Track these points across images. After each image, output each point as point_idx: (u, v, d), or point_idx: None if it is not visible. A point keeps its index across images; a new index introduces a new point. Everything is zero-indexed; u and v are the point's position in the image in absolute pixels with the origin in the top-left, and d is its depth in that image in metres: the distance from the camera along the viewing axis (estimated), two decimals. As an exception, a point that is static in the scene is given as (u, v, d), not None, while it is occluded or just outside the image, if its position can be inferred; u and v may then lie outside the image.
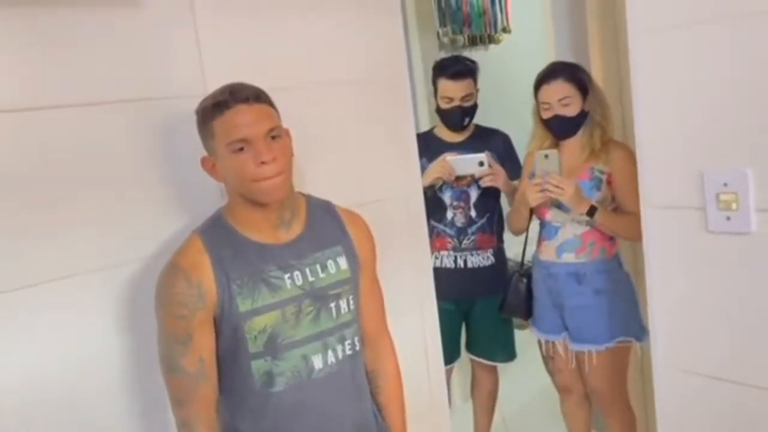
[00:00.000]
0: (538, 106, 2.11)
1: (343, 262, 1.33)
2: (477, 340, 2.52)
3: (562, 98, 2.03)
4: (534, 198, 2.04)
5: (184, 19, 1.39)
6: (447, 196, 2.40)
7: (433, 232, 2.41)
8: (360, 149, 1.71)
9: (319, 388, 1.29)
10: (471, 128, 2.46)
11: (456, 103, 2.36)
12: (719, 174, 1.17)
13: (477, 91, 2.43)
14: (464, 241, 2.41)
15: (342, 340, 1.32)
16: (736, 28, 1.11)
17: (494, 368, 2.57)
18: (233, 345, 1.24)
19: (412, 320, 1.83)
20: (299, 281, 1.27)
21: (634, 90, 1.25)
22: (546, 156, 2.01)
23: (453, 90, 2.36)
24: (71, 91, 1.24)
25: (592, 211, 1.99)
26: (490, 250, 2.43)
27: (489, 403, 2.61)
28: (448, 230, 2.41)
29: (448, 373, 2.56)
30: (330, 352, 1.30)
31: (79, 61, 1.25)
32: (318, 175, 1.55)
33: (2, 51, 1.17)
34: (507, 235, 2.47)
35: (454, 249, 2.42)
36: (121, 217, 1.31)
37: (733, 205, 1.16)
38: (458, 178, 2.36)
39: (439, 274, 2.32)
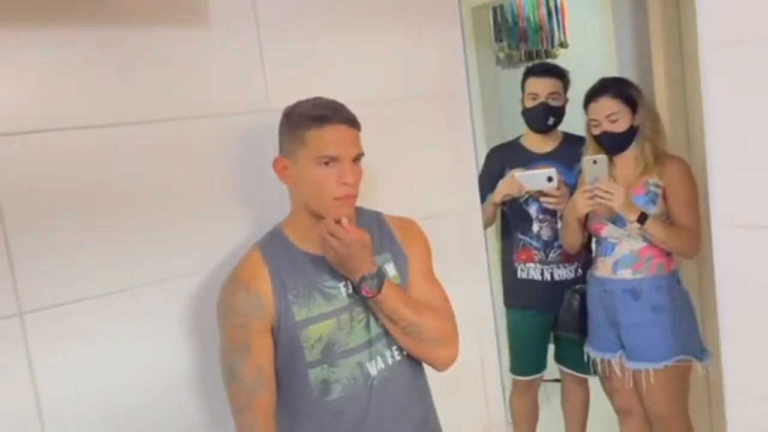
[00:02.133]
0: (588, 122, 2.10)
1: (391, 268, 1.34)
2: (565, 352, 2.47)
3: (610, 114, 2.02)
4: (584, 205, 2.01)
5: (249, 37, 1.42)
6: (533, 209, 2.36)
7: (519, 244, 2.39)
8: (419, 165, 1.72)
9: (374, 395, 1.30)
10: (558, 136, 2.40)
11: (541, 100, 2.30)
12: (798, 192, 1.12)
13: (566, 99, 2.36)
14: (551, 254, 2.36)
15: (389, 345, 1.32)
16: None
17: (585, 380, 2.50)
18: (291, 354, 1.26)
19: (469, 338, 1.80)
20: (350, 290, 1.28)
21: (707, 106, 1.22)
22: (594, 162, 1.98)
23: (539, 86, 2.31)
24: (139, 109, 1.29)
25: (642, 219, 1.95)
26: (577, 263, 2.37)
27: (581, 415, 2.55)
28: (534, 243, 2.37)
29: (536, 384, 2.55)
30: (380, 358, 1.31)
31: (149, 79, 1.30)
32: (376, 190, 1.56)
33: (75, 70, 1.22)
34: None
35: (541, 262, 2.37)
36: (188, 230, 1.35)
37: (814, 225, 1.11)
38: (541, 193, 2.30)
39: (526, 285, 2.39)
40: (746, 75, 1.16)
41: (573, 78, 2.40)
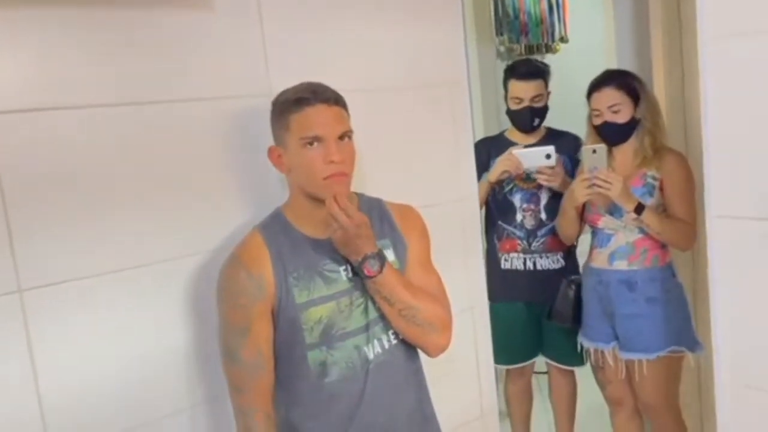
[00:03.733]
0: (590, 112, 2.12)
1: (390, 254, 1.35)
2: (550, 343, 2.49)
3: (612, 105, 2.04)
4: (582, 194, 2.02)
5: (251, 21, 1.43)
6: (517, 199, 2.38)
7: (502, 234, 2.42)
8: (417, 153, 1.73)
9: (371, 379, 1.31)
10: (542, 130, 2.44)
11: (526, 104, 2.34)
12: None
13: (548, 93, 2.40)
14: (534, 244, 2.38)
15: (386, 330, 1.34)
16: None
17: (571, 372, 2.52)
18: (290, 336, 1.27)
19: (463, 325, 1.82)
20: (350, 273, 1.30)
21: (704, 98, 1.23)
22: (594, 151, 1.99)
23: (522, 90, 2.34)
24: (141, 90, 1.29)
25: (639, 210, 1.97)
26: (560, 253, 2.40)
27: (569, 408, 2.57)
28: (517, 232, 2.39)
29: (529, 370, 2.57)
30: (376, 342, 1.32)
31: (152, 61, 1.30)
32: (374, 177, 1.57)
33: (79, 49, 1.23)
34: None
35: (524, 251, 2.40)
36: (187, 210, 1.36)
37: (806, 217, 1.12)
38: (528, 180, 2.34)
39: (509, 275, 2.41)
40: (744, 68, 1.17)
41: (573, 73, 2.42)
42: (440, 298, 1.38)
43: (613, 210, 2.07)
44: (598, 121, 2.08)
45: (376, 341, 1.32)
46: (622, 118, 2.04)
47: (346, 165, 1.25)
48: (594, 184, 1.98)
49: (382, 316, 1.32)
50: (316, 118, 1.23)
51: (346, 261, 1.29)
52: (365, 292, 1.30)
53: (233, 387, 1.28)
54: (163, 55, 1.31)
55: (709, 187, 1.26)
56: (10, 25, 1.16)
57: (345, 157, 1.25)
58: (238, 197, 1.43)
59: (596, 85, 2.08)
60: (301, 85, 1.27)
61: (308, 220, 1.30)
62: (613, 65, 2.56)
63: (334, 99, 1.26)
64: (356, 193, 1.39)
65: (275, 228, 1.30)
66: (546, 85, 2.39)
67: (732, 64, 1.19)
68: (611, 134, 2.07)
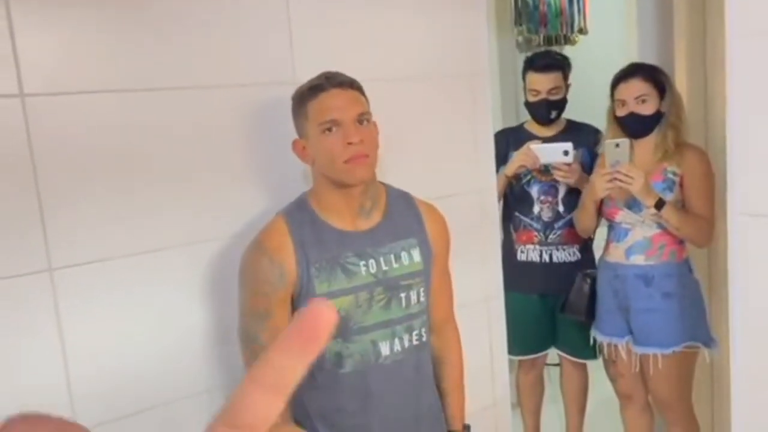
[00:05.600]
0: (613, 104, 2.11)
1: (416, 254, 1.36)
2: (563, 336, 2.50)
3: (639, 96, 2.03)
4: (603, 188, 2.01)
5: (277, 9, 1.44)
6: (534, 190, 2.39)
7: (519, 226, 2.43)
8: (437, 143, 1.73)
9: (384, 375, 1.33)
10: (562, 122, 2.44)
11: (543, 96, 2.35)
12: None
13: (568, 85, 2.40)
14: (550, 236, 2.40)
15: (409, 330, 1.35)
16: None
17: (583, 365, 2.53)
18: None
19: (478, 315, 1.84)
20: (373, 269, 1.31)
21: (729, 96, 1.22)
22: (617, 145, 1.98)
23: (540, 83, 2.35)
24: (168, 75, 1.31)
25: (659, 205, 1.97)
26: (577, 246, 2.41)
27: (580, 400, 2.59)
28: (534, 224, 2.40)
29: (541, 362, 2.59)
30: (396, 341, 1.34)
31: (177, 47, 1.32)
32: (394, 166, 1.58)
33: (105, 35, 1.24)
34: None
35: (540, 243, 2.41)
36: (210, 195, 1.38)
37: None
38: (546, 172, 2.35)
39: (525, 267, 2.42)
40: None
41: (591, 65, 2.41)
42: (451, 304, 1.48)
43: (632, 204, 2.06)
44: (623, 112, 2.06)
45: (396, 339, 1.34)
46: (648, 109, 2.03)
47: (365, 146, 1.25)
48: (615, 179, 1.97)
49: (409, 316, 1.34)
50: (330, 102, 1.24)
51: (370, 256, 1.30)
52: (388, 288, 1.31)
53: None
54: (188, 42, 1.32)
55: (733, 185, 1.26)
56: (43, 9, 1.17)
57: (364, 138, 1.25)
58: (261, 183, 1.44)
59: (623, 76, 2.06)
60: (317, 75, 1.29)
61: (334, 209, 1.31)
62: (634, 58, 2.54)
63: (348, 83, 1.27)
64: (384, 185, 1.40)
65: (300, 215, 1.31)
66: (565, 78, 2.39)
67: (759, 61, 1.19)
68: (635, 126, 2.05)
